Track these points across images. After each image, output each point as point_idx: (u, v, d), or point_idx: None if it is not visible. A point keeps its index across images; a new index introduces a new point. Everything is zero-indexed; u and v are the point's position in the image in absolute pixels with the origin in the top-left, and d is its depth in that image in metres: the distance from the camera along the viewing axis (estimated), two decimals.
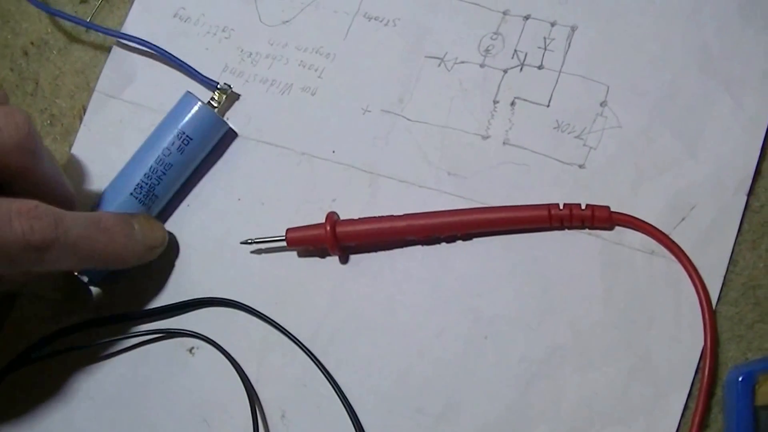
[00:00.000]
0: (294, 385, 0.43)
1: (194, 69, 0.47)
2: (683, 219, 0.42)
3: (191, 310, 0.45)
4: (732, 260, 0.42)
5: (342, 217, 0.44)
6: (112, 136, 0.49)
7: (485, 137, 0.45)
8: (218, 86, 0.47)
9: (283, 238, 0.43)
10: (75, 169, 0.48)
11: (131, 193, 0.45)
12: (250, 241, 0.44)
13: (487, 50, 0.46)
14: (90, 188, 0.48)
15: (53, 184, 0.42)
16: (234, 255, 0.45)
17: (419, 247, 0.44)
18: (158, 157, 0.45)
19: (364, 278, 0.44)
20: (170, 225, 0.47)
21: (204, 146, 0.46)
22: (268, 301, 0.44)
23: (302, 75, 0.47)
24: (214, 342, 0.44)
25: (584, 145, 0.44)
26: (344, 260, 0.44)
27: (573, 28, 0.45)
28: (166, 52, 0.48)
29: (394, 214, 0.43)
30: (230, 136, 0.47)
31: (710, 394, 0.39)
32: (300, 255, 0.45)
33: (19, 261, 0.37)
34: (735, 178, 0.42)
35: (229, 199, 0.46)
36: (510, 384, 0.41)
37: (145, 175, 0.45)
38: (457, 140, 0.45)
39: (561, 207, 0.42)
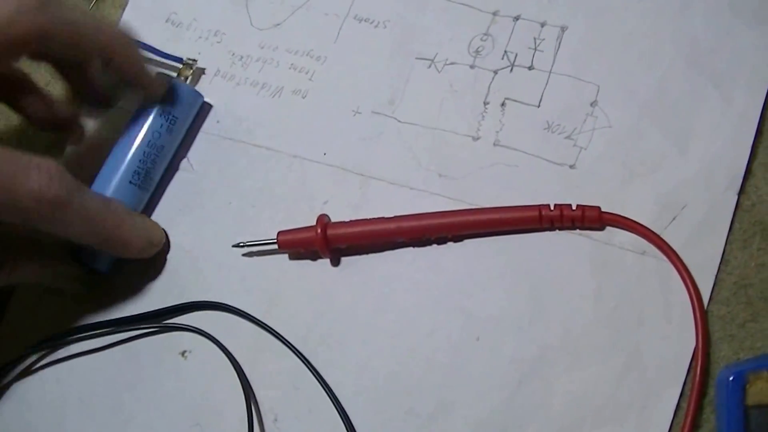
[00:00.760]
0: (286, 388, 0.43)
1: (157, 49, 0.47)
2: (674, 218, 0.42)
3: (183, 314, 0.45)
4: (723, 259, 0.41)
5: (333, 219, 0.44)
6: None
7: (476, 138, 0.45)
8: (183, 61, 0.47)
9: (275, 241, 0.43)
10: None
11: (131, 182, 0.44)
12: (241, 244, 0.44)
13: (477, 51, 0.46)
14: None
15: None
16: (226, 258, 0.45)
17: (410, 248, 0.44)
18: (149, 140, 0.45)
19: (355, 280, 0.44)
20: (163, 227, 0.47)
21: (187, 122, 0.47)
22: (260, 304, 0.44)
23: (293, 78, 0.48)
24: (212, 337, 0.43)
25: (575, 145, 0.43)
26: (335, 262, 0.44)
27: (563, 28, 0.45)
28: None
29: (385, 215, 0.43)
30: (226, 143, 0.47)
31: (702, 393, 0.39)
32: (291, 257, 0.45)
33: (30, 213, 0.38)
34: (726, 177, 0.42)
35: (221, 202, 0.46)
36: (501, 384, 0.41)
37: (140, 161, 0.45)
38: (448, 141, 0.45)
39: (551, 208, 0.42)
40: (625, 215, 0.42)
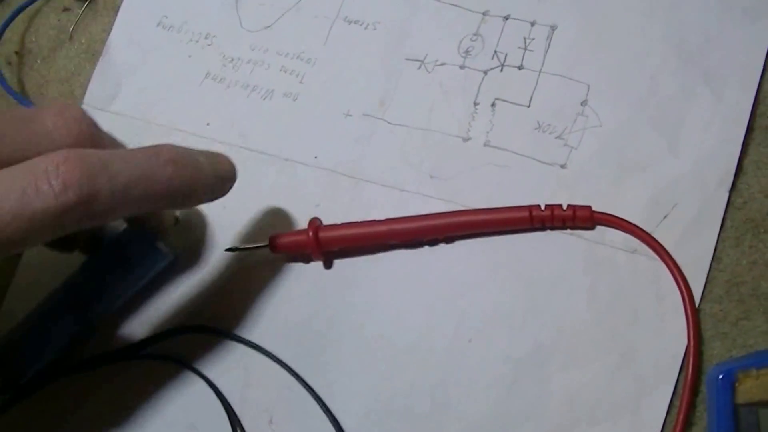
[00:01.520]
0: (280, 389, 0.43)
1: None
2: (665, 216, 0.42)
3: (165, 339, 0.44)
4: (715, 257, 0.41)
5: (325, 222, 0.44)
6: None
7: (466, 139, 0.44)
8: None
9: (267, 245, 0.44)
10: None
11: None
12: (234, 248, 0.44)
13: (467, 51, 0.46)
14: None
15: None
16: (218, 262, 0.45)
17: (402, 250, 0.44)
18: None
19: (347, 283, 0.44)
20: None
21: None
22: (253, 310, 0.44)
23: (284, 80, 0.47)
24: (195, 368, 0.43)
25: (565, 144, 0.43)
26: (328, 265, 0.44)
27: (553, 28, 0.45)
28: None
29: (377, 218, 0.43)
30: (216, 146, 0.47)
31: (695, 391, 0.39)
32: (284, 261, 0.45)
33: (66, 224, 0.33)
34: (716, 175, 0.42)
35: (214, 205, 0.46)
36: (495, 384, 0.41)
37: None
38: (439, 143, 0.45)
39: (542, 208, 0.42)
40: (617, 214, 0.42)
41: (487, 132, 0.44)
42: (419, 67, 0.46)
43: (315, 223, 0.43)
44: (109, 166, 0.33)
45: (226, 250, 0.44)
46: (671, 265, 0.41)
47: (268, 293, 0.44)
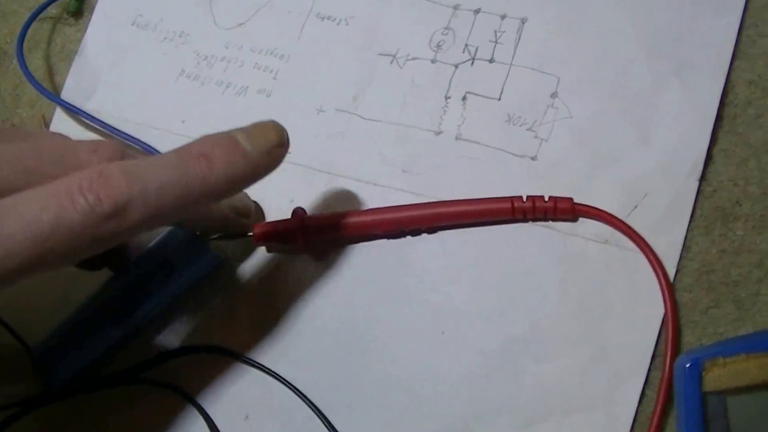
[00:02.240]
0: (256, 384, 0.43)
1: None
2: (636, 207, 0.42)
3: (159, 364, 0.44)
4: (685, 246, 0.42)
5: None
6: None
7: (438, 133, 0.45)
8: None
9: (251, 234, 0.44)
10: None
11: None
12: (218, 236, 0.44)
13: (438, 45, 0.46)
14: None
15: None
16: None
17: (384, 240, 0.44)
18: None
19: (329, 272, 0.44)
20: None
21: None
22: (235, 298, 0.44)
23: (257, 77, 0.48)
24: (179, 388, 0.44)
25: (536, 137, 0.44)
26: (311, 255, 0.44)
27: (523, 21, 0.45)
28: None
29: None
30: None
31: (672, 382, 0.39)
32: (267, 251, 0.45)
33: (103, 237, 0.33)
34: (687, 164, 0.42)
35: None
36: (469, 377, 0.41)
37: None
38: (411, 137, 0.45)
39: (524, 199, 0.42)
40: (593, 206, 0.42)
41: (459, 125, 0.45)
42: (391, 62, 0.46)
43: (300, 212, 0.43)
44: (141, 173, 0.34)
45: (211, 239, 0.44)
46: (650, 256, 0.41)
47: (250, 282, 0.45)
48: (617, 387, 0.40)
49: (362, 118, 0.46)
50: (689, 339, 0.40)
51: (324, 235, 0.44)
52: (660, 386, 0.39)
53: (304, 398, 0.42)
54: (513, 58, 0.45)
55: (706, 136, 0.42)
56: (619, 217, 0.42)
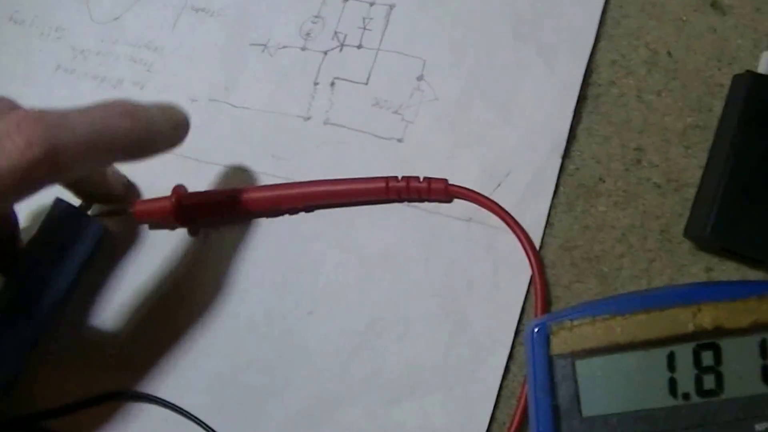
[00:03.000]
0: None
1: None
2: (499, 185, 0.42)
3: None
4: (549, 223, 0.42)
5: None
6: None
7: (306, 119, 0.45)
8: None
9: (132, 209, 0.43)
10: None
11: None
12: (99, 214, 0.43)
13: (308, 34, 0.46)
14: None
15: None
16: None
17: (264, 219, 0.44)
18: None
19: (203, 250, 0.44)
20: None
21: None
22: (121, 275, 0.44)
23: (132, 70, 0.48)
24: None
25: (402, 119, 0.44)
26: (192, 232, 0.44)
27: (391, 6, 0.46)
28: None
29: None
30: None
31: None
32: (149, 228, 0.45)
33: (34, 180, 0.33)
34: (549, 142, 0.43)
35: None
36: (332, 357, 0.41)
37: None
38: (280, 124, 0.45)
39: (399, 179, 0.42)
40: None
41: (327, 111, 0.45)
42: (263, 51, 0.47)
43: (179, 190, 0.43)
44: (68, 120, 0.34)
45: (93, 215, 0.43)
46: (519, 233, 0.41)
47: (134, 259, 0.44)
48: (481, 363, 0.40)
49: (233, 106, 0.46)
50: None
51: (202, 212, 0.44)
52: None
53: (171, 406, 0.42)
54: (380, 43, 0.45)
55: (569, 115, 0.43)
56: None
